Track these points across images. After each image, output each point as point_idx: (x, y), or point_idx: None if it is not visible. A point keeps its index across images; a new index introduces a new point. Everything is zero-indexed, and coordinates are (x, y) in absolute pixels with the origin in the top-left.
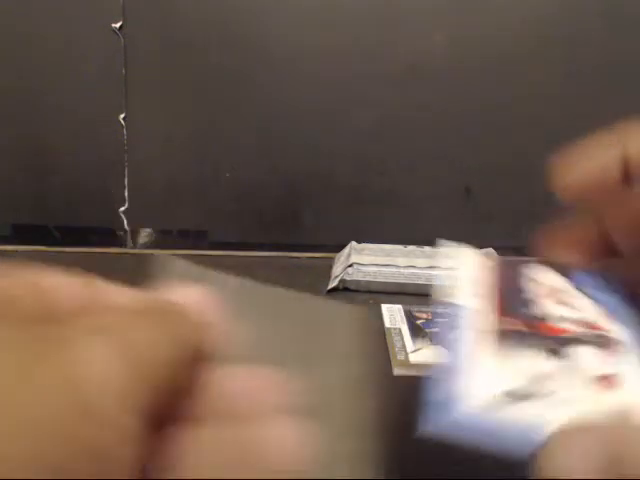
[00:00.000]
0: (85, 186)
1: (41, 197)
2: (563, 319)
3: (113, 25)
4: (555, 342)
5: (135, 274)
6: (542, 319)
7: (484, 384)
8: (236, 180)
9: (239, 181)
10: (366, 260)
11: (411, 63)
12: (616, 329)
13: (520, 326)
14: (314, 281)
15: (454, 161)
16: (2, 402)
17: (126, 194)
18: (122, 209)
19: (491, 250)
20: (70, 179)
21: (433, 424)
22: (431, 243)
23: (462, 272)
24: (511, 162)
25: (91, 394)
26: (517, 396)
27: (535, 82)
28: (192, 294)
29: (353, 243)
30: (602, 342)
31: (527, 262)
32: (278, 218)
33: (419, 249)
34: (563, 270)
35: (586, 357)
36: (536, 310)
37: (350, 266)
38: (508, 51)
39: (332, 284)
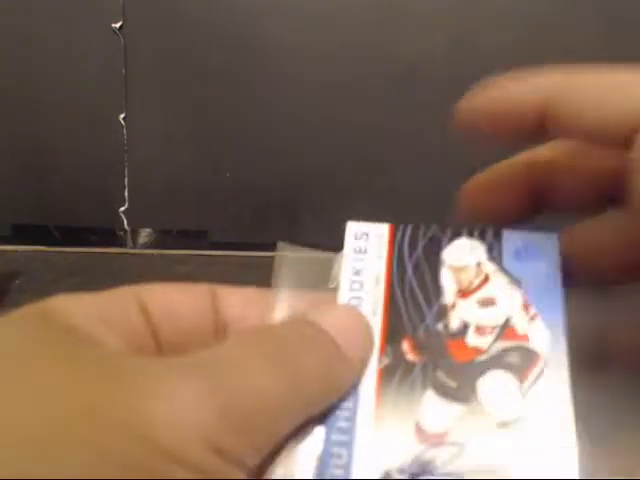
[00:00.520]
0: (85, 186)
1: (41, 197)
2: (478, 329)
3: (113, 25)
4: (462, 373)
5: (135, 274)
6: (452, 335)
7: (363, 464)
8: (236, 180)
9: (239, 181)
10: None
11: (411, 63)
12: (537, 330)
13: (417, 354)
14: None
15: (454, 161)
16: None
17: (126, 194)
18: (122, 209)
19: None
20: (70, 179)
21: None
22: None
23: (349, 276)
24: None
25: (165, 435)
26: (406, 475)
27: None
28: (340, 316)
29: None
30: (518, 363)
31: (441, 234)
32: (278, 218)
33: None
34: (483, 236)
35: (495, 395)
36: (447, 320)
37: None
38: (508, 51)
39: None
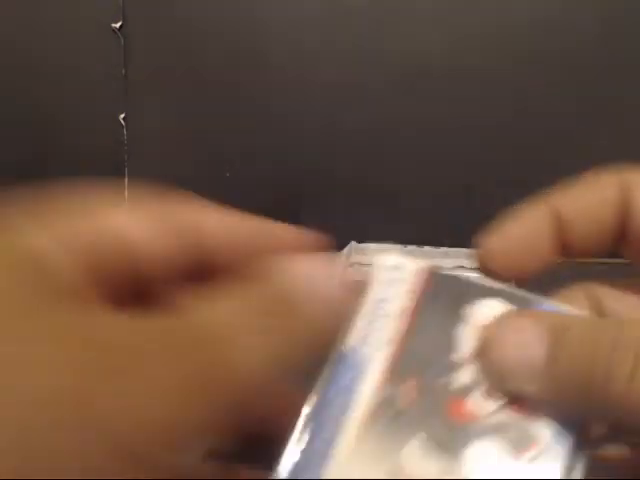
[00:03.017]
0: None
1: None
2: (487, 394)
3: (113, 25)
4: (455, 432)
5: None
6: (455, 393)
7: None
8: (236, 180)
9: (239, 181)
10: (366, 260)
11: (411, 63)
12: (549, 414)
13: (417, 397)
14: None
15: (454, 160)
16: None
17: (126, 194)
18: None
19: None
20: (70, 179)
21: None
22: (431, 243)
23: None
24: (511, 161)
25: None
26: None
27: (535, 81)
28: (315, 269)
29: (353, 243)
30: (517, 439)
31: (475, 289)
32: (278, 218)
33: (419, 249)
34: (518, 303)
35: (479, 464)
36: (453, 377)
37: (350, 266)
38: (508, 51)
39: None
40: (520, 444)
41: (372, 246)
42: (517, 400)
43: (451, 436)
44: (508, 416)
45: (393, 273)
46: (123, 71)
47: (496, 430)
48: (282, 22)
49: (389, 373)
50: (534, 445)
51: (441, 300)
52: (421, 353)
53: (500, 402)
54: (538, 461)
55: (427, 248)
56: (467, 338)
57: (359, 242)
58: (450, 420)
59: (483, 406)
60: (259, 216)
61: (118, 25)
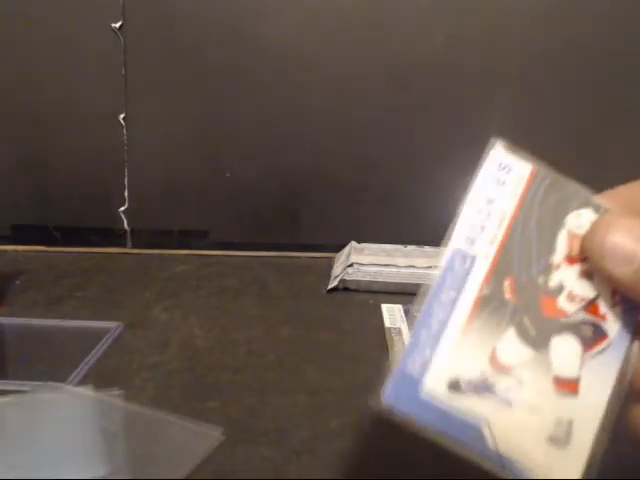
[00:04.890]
0: (85, 186)
1: (41, 197)
2: (570, 295)
3: (113, 25)
4: (543, 326)
5: (135, 274)
6: (548, 292)
7: (445, 367)
8: (236, 180)
9: (239, 181)
10: (366, 260)
11: (411, 63)
12: (615, 315)
13: (514, 295)
14: (314, 281)
15: (453, 160)
16: None
17: (126, 194)
18: (122, 209)
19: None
20: (70, 179)
21: (389, 400)
22: (431, 243)
23: (479, 204)
24: None
25: None
26: (471, 387)
27: (534, 82)
28: None
29: (353, 243)
30: (590, 335)
31: (573, 196)
32: (278, 218)
33: (419, 249)
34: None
35: (562, 353)
36: (548, 277)
37: (350, 266)
38: (507, 51)
39: (332, 284)
40: (592, 339)
41: (372, 246)
42: (594, 303)
43: (540, 329)
44: (585, 316)
45: (501, 172)
46: (123, 71)
47: (575, 327)
48: (283, 23)
49: (492, 271)
50: (603, 340)
51: (544, 204)
52: (521, 253)
53: (581, 304)
54: (605, 353)
55: (427, 248)
56: (563, 243)
57: (359, 242)
58: (541, 316)
59: (568, 306)
60: (258, 216)
61: (118, 25)
